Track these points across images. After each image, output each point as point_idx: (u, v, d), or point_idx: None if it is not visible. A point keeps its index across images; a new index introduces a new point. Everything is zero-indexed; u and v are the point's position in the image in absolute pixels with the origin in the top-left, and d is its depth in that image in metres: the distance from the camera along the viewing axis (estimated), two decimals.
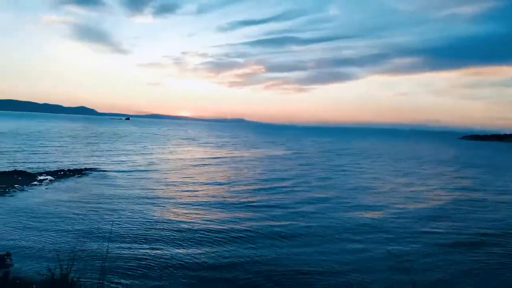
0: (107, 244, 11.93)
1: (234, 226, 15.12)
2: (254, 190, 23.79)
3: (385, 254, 12.21)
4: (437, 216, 18.30)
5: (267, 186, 25.28)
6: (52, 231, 13.93)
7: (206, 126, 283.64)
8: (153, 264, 10.91)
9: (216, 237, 13.68)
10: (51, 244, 12.55)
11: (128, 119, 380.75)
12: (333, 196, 22.63)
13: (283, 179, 28.81)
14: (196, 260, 11.34)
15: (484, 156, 70.48)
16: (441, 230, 15.77)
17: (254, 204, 19.71)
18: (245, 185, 25.63)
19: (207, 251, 12.10)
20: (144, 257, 11.41)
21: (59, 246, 12.26)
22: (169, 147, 59.43)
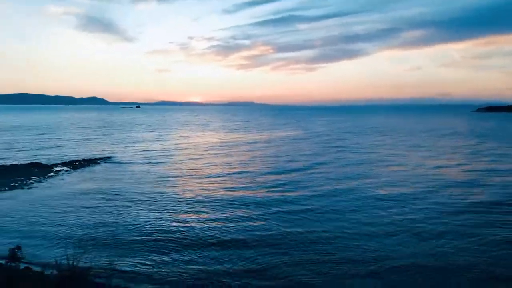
0: (113, 240, 11.50)
1: (257, 231, 13.04)
2: (279, 183, 20.64)
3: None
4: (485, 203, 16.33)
5: (295, 179, 21.95)
6: (64, 223, 13.84)
7: (217, 111, 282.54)
8: (158, 269, 10.07)
9: (233, 240, 12.12)
10: (62, 236, 12.47)
11: (138, 107, 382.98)
12: (367, 184, 20.26)
13: (311, 166, 26.05)
14: (205, 267, 10.25)
15: (503, 128, 68.35)
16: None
17: (282, 200, 17.24)
18: (270, 174, 23.43)
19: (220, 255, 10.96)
20: (150, 262, 10.58)
21: (71, 237, 12.24)
22: (184, 134, 59.13)
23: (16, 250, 10.17)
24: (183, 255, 10.95)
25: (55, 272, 6.33)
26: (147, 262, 10.44)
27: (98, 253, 10.43)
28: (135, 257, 10.74)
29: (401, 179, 22.05)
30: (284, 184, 20.67)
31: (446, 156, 31.76)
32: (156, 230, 13.02)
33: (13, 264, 8.21)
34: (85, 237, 12.25)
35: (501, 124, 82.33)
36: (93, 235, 12.46)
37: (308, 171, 24.57)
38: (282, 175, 23.22)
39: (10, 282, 5.53)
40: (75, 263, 6.32)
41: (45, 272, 7.46)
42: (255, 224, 13.64)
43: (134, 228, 13.17)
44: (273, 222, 13.86)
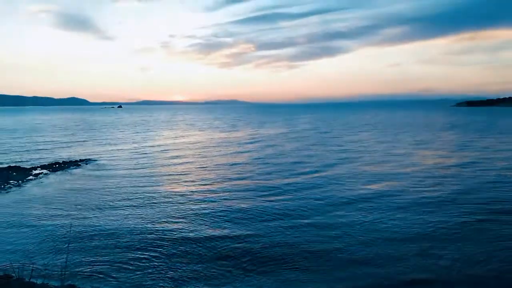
0: (66, 248, 10.72)
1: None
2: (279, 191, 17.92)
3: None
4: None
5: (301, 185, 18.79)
6: (42, 225, 13.33)
7: (201, 109, 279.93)
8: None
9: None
10: (38, 241, 11.91)
11: (120, 107, 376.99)
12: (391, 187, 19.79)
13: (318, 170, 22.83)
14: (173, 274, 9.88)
15: (483, 121, 69.92)
16: None
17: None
18: (269, 179, 20.72)
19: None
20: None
21: (46, 242, 11.69)
22: (170, 134, 58.08)
23: None
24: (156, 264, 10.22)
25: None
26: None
27: (54, 262, 9.87)
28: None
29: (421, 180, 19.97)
30: (285, 191, 17.72)
31: (457, 153, 29.46)
32: (129, 242, 11.65)
33: None
34: (42, 245, 11.48)
35: (488, 118, 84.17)
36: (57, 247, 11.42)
37: (314, 175, 21.38)
38: (285, 180, 20.22)
39: None
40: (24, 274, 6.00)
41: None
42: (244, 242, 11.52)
43: (102, 238, 12.02)
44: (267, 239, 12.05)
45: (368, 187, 18.29)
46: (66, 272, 7.75)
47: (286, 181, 19.93)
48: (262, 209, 14.77)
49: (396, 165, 24.25)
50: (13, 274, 8.04)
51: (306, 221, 13.32)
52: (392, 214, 13.83)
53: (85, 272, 9.61)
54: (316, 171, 22.52)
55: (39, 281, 6.40)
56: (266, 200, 16.13)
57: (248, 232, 12.31)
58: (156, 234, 12.24)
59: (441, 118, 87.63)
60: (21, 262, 9.96)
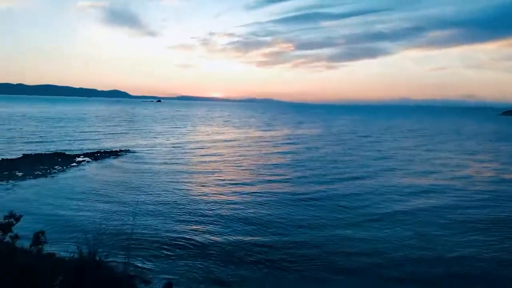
0: (132, 224, 12.14)
1: None
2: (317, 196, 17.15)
3: None
4: None
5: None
6: (84, 210, 14.29)
7: (238, 107, 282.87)
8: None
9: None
10: (82, 222, 12.79)
11: (159, 101, 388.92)
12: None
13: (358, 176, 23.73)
14: (219, 244, 10.93)
15: None
16: None
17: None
18: (309, 183, 20.42)
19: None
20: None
21: (90, 224, 12.37)
22: (207, 129, 58.96)
23: (40, 235, 10.12)
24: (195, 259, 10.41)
25: (76, 256, 6.12)
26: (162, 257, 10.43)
27: (114, 242, 10.09)
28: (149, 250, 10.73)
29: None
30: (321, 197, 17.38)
31: (510, 167, 27.23)
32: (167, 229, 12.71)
33: (37, 248, 8.21)
34: (106, 222, 12.52)
35: None
36: (113, 221, 12.95)
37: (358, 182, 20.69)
38: (323, 186, 19.38)
39: (29, 266, 5.27)
40: (94, 250, 6.18)
41: (66, 257, 7.33)
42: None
43: (146, 225, 12.89)
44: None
45: (408, 199, 17.21)
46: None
47: (321, 187, 19.24)
48: (292, 216, 14.27)
49: (441, 177, 22.80)
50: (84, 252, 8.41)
51: (338, 232, 12.61)
52: (434, 232, 12.79)
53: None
54: (353, 179, 21.62)
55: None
56: (297, 206, 15.62)
57: (276, 239, 11.90)
58: (186, 235, 12.17)
59: (489, 126, 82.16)
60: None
